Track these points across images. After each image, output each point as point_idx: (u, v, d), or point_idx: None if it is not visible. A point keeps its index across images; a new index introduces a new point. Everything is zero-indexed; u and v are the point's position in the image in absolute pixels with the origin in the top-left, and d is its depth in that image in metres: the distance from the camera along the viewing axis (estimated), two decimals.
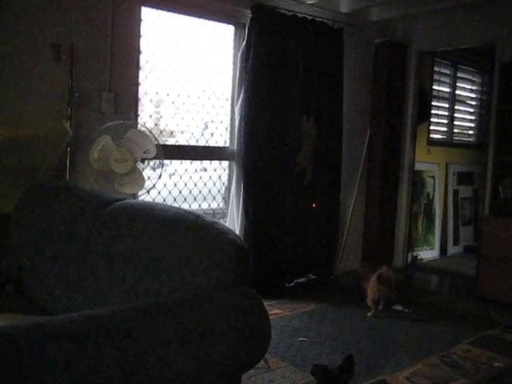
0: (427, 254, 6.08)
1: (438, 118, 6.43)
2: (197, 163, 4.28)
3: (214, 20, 4.22)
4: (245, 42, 4.21)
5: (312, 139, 4.55)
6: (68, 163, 3.31)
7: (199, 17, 4.11)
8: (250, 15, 4.17)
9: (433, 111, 6.22)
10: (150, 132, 3.29)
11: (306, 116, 4.51)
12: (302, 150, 4.51)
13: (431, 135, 6.30)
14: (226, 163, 4.46)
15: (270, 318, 1.65)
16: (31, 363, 1.12)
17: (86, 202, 2.26)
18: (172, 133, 4.19)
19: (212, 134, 4.35)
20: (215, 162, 4.41)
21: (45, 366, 1.13)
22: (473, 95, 6.92)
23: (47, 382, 1.12)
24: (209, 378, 1.46)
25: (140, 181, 3.21)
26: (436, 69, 6.23)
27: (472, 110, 6.98)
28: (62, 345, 1.18)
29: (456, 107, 6.67)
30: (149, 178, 3.53)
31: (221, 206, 4.51)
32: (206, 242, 1.63)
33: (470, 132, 7.04)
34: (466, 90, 6.81)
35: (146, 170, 3.46)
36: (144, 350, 1.29)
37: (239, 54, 4.26)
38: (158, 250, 1.73)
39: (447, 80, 6.50)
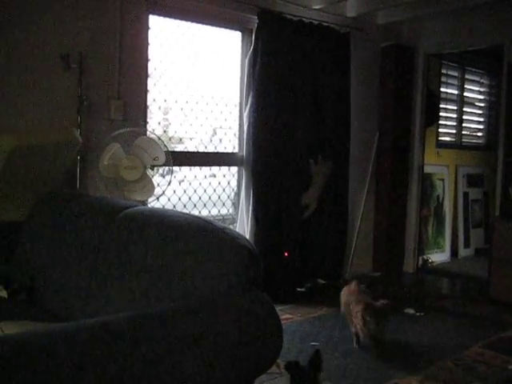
0: (438, 257, 6.05)
1: (447, 121, 6.41)
2: (206, 169, 4.29)
3: (221, 27, 4.24)
4: (252, 47, 4.23)
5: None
6: (78, 171, 3.33)
7: (206, 24, 4.13)
8: (257, 21, 4.18)
9: (441, 114, 6.21)
10: (159, 139, 3.31)
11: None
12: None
13: (440, 138, 6.28)
14: (235, 169, 4.47)
15: (281, 323, 1.65)
16: (44, 369, 1.13)
17: (97, 209, 2.27)
18: (181, 139, 4.20)
19: (221, 140, 4.37)
20: (224, 168, 4.42)
21: (57, 371, 1.14)
22: (481, 97, 6.89)
23: None
24: (222, 383, 1.47)
25: (150, 188, 3.22)
26: (444, 71, 6.22)
27: (481, 111, 6.95)
28: (74, 351, 1.19)
29: (464, 109, 6.65)
30: (158, 184, 3.54)
31: (230, 211, 4.51)
32: (217, 247, 1.63)
33: (479, 134, 7.01)
34: (475, 91, 6.79)
35: (155, 177, 3.47)
36: (156, 355, 1.29)
37: (247, 60, 4.27)
38: (169, 255, 1.74)
39: (455, 82, 6.49)
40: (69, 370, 1.16)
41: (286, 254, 4.36)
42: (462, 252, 6.35)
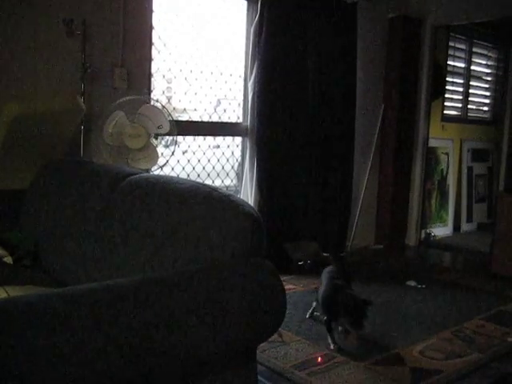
0: (440, 231, 6.07)
1: (453, 94, 6.36)
2: (210, 140, 4.27)
3: None
4: (257, 16, 4.17)
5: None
6: (82, 139, 3.31)
7: None
8: None
9: (447, 87, 6.15)
10: (164, 107, 3.28)
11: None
12: None
13: (445, 111, 6.24)
14: (239, 139, 4.46)
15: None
16: (50, 330, 1.14)
17: (101, 175, 2.26)
18: (185, 109, 4.17)
19: (225, 110, 4.34)
20: (228, 139, 4.40)
21: (64, 332, 1.15)
22: (488, 71, 6.82)
23: (67, 347, 1.14)
24: (224, 349, 1.48)
25: (153, 156, 3.21)
26: (451, 44, 6.14)
27: (487, 85, 6.89)
28: (81, 313, 1.20)
29: (471, 83, 6.59)
30: (162, 154, 3.53)
31: (234, 182, 4.51)
32: (222, 213, 1.63)
33: (485, 108, 6.96)
34: (482, 65, 6.72)
35: (159, 147, 3.45)
36: (160, 319, 1.30)
37: (252, 29, 4.22)
38: (174, 222, 1.74)
39: (462, 55, 6.41)
40: (73, 331, 1.17)
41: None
42: (465, 226, 6.36)
